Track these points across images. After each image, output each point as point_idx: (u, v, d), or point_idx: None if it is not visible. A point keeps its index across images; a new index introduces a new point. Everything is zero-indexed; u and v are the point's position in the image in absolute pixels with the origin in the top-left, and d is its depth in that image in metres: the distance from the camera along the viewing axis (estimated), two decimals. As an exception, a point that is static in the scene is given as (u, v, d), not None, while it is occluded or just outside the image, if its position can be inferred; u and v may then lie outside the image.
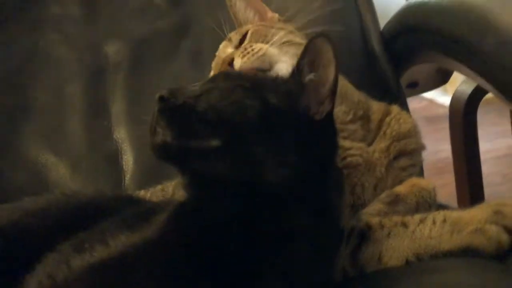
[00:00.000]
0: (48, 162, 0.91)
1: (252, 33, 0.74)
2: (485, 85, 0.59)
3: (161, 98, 0.47)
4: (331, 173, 0.52)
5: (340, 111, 0.66)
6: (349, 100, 0.68)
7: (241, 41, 0.74)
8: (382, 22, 0.88)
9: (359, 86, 0.72)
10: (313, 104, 0.48)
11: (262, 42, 0.71)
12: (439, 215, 0.54)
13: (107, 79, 0.96)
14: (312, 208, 0.48)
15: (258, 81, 0.51)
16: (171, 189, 0.74)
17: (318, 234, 0.48)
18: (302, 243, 0.47)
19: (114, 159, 0.91)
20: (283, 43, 0.71)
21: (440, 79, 0.98)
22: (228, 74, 0.54)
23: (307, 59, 0.49)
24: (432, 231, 0.52)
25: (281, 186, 0.46)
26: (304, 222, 0.47)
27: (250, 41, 0.72)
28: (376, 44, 0.85)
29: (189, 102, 0.47)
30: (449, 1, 0.61)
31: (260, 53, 0.68)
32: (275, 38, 0.71)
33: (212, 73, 0.74)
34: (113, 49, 0.97)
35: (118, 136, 0.92)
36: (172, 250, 0.46)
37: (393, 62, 0.85)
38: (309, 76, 0.48)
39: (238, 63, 0.68)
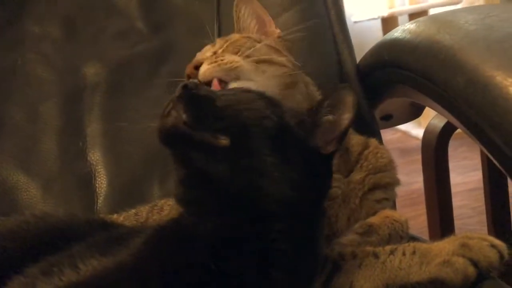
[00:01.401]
0: (19, 182, 0.89)
1: (232, 42, 0.72)
2: (455, 122, 0.61)
3: (185, 86, 0.49)
4: (323, 204, 0.53)
5: None
6: None
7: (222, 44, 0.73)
8: (359, 56, 0.90)
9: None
10: (321, 141, 0.51)
11: (241, 54, 0.69)
12: (409, 247, 0.55)
13: (84, 100, 0.95)
14: (299, 234, 0.48)
15: (280, 102, 0.53)
16: (144, 213, 0.73)
17: (299, 262, 0.48)
18: (282, 269, 0.47)
19: (87, 181, 0.89)
20: (263, 60, 0.69)
21: (414, 112, 1.01)
22: (250, 90, 0.55)
23: (330, 102, 0.51)
24: (402, 262, 0.53)
25: (278, 204, 0.47)
26: (288, 246, 0.47)
27: (226, 50, 0.71)
28: (352, 77, 0.87)
29: (211, 96, 0.49)
30: (421, 40, 0.63)
31: (229, 65, 0.66)
32: (249, 51, 0.68)
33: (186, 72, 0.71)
34: (91, 71, 0.97)
35: (92, 158, 0.91)
36: (149, 274, 0.45)
37: (368, 95, 0.87)
38: (327, 117, 0.51)
39: (203, 69, 0.67)
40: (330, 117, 0.51)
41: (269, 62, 0.69)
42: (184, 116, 0.47)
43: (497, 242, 0.53)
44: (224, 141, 0.46)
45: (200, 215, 0.48)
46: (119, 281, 0.45)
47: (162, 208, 0.73)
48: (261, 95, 0.52)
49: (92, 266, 0.48)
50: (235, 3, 0.78)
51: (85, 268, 0.48)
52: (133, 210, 0.75)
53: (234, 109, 0.49)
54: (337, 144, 0.51)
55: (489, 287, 0.51)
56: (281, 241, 0.47)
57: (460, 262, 0.51)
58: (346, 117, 0.51)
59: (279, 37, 0.78)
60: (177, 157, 0.50)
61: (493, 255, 0.52)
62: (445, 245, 0.53)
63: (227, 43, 0.72)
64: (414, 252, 0.54)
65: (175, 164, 0.51)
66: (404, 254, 0.54)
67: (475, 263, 0.51)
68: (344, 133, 0.51)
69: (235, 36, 0.74)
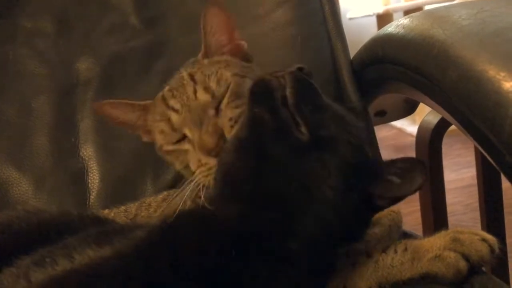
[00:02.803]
0: (10, 177, 0.88)
1: (232, 90, 0.64)
2: (448, 117, 0.61)
3: (302, 69, 0.53)
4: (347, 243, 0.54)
5: None
6: None
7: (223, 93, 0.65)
8: (354, 52, 0.90)
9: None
10: (376, 193, 0.52)
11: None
12: (401, 244, 0.55)
13: (76, 96, 0.95)
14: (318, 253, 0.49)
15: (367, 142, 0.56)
16: (133, 210, 0.73)
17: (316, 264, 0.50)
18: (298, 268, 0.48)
19: (79, 176, 0.89)
20: None
21: (408, 109, 1.01)
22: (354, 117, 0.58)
23: (403, 167, 0.52)
24: (394, 260, 0.54)
25: (314, 220, 0.47)
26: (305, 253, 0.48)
27: (229, 105, 0.63)
28: (345, 73, 0.87)
29: (318, 91, 0.52)
30: (414, 35, 0.63)
31: None
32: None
33: (176, 105, 0.66)
34: (84, 66, 0.96)
35: (84, 153, 0.90)
36: (157, 261, 0.45)
37: (362, 91, 0.86)
38: (393, 178, 0.52)
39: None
40: (395, 178, 0.52)
41: None
42: (287, 90, 0.50)
43: (488, 236, 0.53)
44: (303, 136, 0.48)
45: (234, 207, 0.48)
46: (119, 268, 0.45)
47: (150, 204, 0.73)
48: (361, 126, 0.55)
49: (88, 255, 0.47)
50: (202, 14, 0.70)
51: (80, 258, 0.47)
52: (123, 207, 0.76)
53: (333, 118, 0.50)
54: (389, 203, 0.53)
55: (481, 282, 0.52)
56: (300, 250, 0.48)
57: (451, 256, 0.51)
58: (408, 189, 0.52)
59: (241, 49, 0.73)
60: (247, 126, 0.52)
61: (484, 249, 0.52)
62: (436, 240, 0.54)
63: (229, 93, 0.64)
64: (405, 249, 0.54)
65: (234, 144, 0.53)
66: (395, 251, 0.54)
67: (466, 258, 0.51)
68: (399, 199, 0.53)
69: (226, 77, 0.66)
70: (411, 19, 0.67)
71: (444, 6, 0.69)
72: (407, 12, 2.65)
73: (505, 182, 1.14)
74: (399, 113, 1.02)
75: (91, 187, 0.88)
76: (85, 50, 0.97)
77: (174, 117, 0.66)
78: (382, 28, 0.76)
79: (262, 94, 0.52)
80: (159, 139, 0.69)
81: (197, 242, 0.46)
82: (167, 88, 0.70)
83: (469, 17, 0.59)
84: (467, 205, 1.83)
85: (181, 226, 0.49)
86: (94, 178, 0.89)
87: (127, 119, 0.73)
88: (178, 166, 0.68)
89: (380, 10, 2.68)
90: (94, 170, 0.89)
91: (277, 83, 0.51)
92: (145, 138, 0.74)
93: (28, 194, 0.88)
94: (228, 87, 0.64)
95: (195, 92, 0.65)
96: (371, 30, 2.72)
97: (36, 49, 0.97)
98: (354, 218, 0.51)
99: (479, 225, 1.17)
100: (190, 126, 0.64)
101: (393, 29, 0.69)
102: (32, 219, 0.61)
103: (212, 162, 0.60)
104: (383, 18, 2.69)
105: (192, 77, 0.67)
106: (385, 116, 0.99)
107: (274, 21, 0.81)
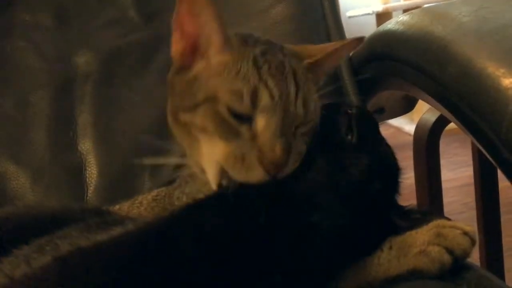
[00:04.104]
0: (8, 171, 0.88)
1: (313, 120, 0.56)
2: (447, 114, 0.61)
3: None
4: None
5: None
6: None
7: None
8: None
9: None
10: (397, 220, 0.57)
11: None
12: (386, 242, 0.56)
13: (74, 90, 0.94)
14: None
15: None
16: (126, 208, 0.73)
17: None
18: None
19: (77, 171, 0.89)
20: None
21: (406, 106, 1.01)
22: None
23: (422, 213, 0.58)
24: (380, 258, 0.54)
25: (330, 223, 0.50)
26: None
27: (307, 129, 0.55)
28: (344, 69, 0.87)
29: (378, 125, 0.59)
30: (413, 31, 0.63)
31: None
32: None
33: (274, 89, 0.52)
34: (82, 60, 0.96)
35: (83, 148, 0.90)
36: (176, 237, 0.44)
37: (361, 87, 0.87)
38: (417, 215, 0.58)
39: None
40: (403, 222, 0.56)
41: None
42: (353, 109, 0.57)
43: (468, 228, 0.54)
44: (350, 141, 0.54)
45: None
46: (136, 243, 0.43)
47: (142, 202, 0.73)
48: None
49: (95, 239, 0.45)
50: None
51: (86, 243, 0.45)
52: (117, 206, 0.75)
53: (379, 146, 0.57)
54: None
55: (477, 278, 0.52)
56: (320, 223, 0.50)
57: (435, 250, 0.52)
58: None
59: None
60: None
61: (466, 243, 0.53)
62: (420, 235, 0.54)
63: (310, 125, 0.54)
64: (390, 247, 0.55)
65: None
66: (382, 249, 0.55)
67: (450, 251, 0.52)
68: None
69: (315, 99, 0.55)
70: (411, 16, 0.67)
71: (444, 3, 0.69)
72: (406, 10, 2.65)
73: (501, 182, 1.14)
74: (397, 111, 1.02)
75: (89, 182, 0.88)
76: (84, 44, 0.96)
77: (265, 96, 0.51)
78: (382, 25, 0.76)
79: (329, 107, 0.57)
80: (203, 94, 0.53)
81: (225, 220, 0.47)
82: (260, 55, 0.54)
83: (469, 14, 0.59)
84: (464, 204, 1.84)
85: (208, 204, 0.49)
86: (92, 173, 0.89)
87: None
88: (186, 141, 0.57)
89: (380, 8, 2.69)
90: (92, 165, 0.89)
91: (345, 105, 0.58)
92: (177, 56, 0.60)
93: (25, 188, 0.87)
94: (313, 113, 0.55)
95: (296, 97, 0.53)
96: (370, 28, 2.71)
97: (35, 43, 0.97)
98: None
99: (475, 223, 1.17)
100: (273, 127, 0.51)
101: (393, 26, 0.70)
102: (32, 212, 0.60)
103: (259, 176, 0.50)
104: (383, 17, 2.70)
105: (294, 74, 0.54)
106: (383, 114, 0.99)
107: (274, 16, 0.81)
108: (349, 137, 0.55)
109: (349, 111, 0.57)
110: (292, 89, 0.52)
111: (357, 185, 0.52)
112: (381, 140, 0.58)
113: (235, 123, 0.52)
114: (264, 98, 0.51)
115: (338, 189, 0.51)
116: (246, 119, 0.52)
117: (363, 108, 0.61)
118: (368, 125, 0.58)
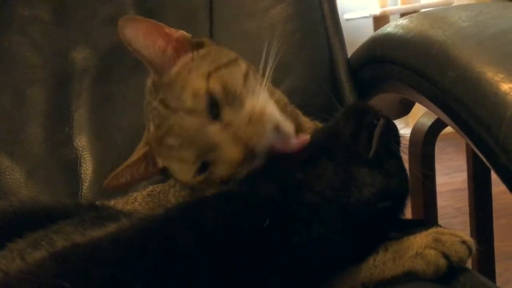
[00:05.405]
0: (2, 166, 0.88)
1: (218, 93, 0.56)
2: (444, 117, 0.61)
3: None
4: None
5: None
6: None
7: (212, 105, 0.55)
8: (349, 52, 0.91)
9: (323, 110, 0.74)
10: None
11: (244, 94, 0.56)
12: (382, 245, 0.56)
13: (72, 86, 0.94)
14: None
15: None
16: (120, 205, 0.73)
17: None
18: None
19: (72, 167, 0.89)
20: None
21: (403, 110, 1.01)
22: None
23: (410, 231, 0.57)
24: (376, 260, 0.54)
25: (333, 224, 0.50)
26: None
27: (227, 101, 0.56)
28: (342, 71, 0.87)
29: (400, 139, 0.59)
30: (413, 35, 0.63)
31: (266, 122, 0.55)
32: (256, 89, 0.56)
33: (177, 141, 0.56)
34: (80, 56, 0.95)
35: (78, 143, 0.90)
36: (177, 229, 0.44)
37: (359, 90, 0.87)
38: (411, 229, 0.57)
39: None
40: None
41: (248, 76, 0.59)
42: (380, 122, 0.56)
43: (467, 238, 0.54)
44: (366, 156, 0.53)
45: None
46: (134, 237, 0.43)
47: (136, 198, 0.73)
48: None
49: (90, 235, 0.46)
50: (122, 37, 0.61)
51: (81, 238, 0.45)
52: (112, 201, 0.75)
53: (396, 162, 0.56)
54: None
55: (471, 281, 0.52)
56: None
57: (432, 254, 0.52)
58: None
59: (192, 38, 0.64)
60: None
61: (463, 251, 0.53)
62: (418, 240, 0.55)
63: (222, 100, 0.55)
64: (386, 249, 0.55)
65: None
66: (377, 252, 0.55)
67: (446, 256, 0.52)
68: None
69: (201, 85, 0.56)
70: (410, 19, 0.68)
71: (443, 8, 0.70)
72: (403, 14, 2.66)
73: (495, 187, 1.15)
74: (394, 114, 1.02)
75: (84, 178, 0.88)
76: (82, 39, 0.96)
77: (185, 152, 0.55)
78: (381, 28, 0.76)
79: (354, 112, 0.58)
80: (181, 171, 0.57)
81: (226, 213, 0.47)
82: (152, 128, 0.60)
83: (468, 19, 0.59)
84: (458, 208, 1.85)
85: (211, 199, 0.50)
86: (87, 169, 0.88)
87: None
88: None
89: (377, 12, 2.69)
90: (88, 161, 0.89)
91: (373, 112, 0.57)
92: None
93: (20, 183, 0.87)
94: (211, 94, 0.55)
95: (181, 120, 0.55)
96: (367, 31, 2.73)
97: (32, 37, 0.96)
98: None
99: (468, 228, 1.17)
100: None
101: (392, 29, 0.70)
102: (26, 207, 0.60)
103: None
104: (380, 20, 2.70)
105: (165, 104, 0.58)
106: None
107: (273, 16, 0.81)
108: (367, 151, 0.54)
109: (375, 122, 0.56)
110: (177, 119, 0.57)
111: (366, 207, 0.52)
112: (399, 160, 0.57)
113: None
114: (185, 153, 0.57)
115: (345, 207, 0.51)
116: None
117: (391, 121, 0.58)
118: (389, 141, 0.56)
